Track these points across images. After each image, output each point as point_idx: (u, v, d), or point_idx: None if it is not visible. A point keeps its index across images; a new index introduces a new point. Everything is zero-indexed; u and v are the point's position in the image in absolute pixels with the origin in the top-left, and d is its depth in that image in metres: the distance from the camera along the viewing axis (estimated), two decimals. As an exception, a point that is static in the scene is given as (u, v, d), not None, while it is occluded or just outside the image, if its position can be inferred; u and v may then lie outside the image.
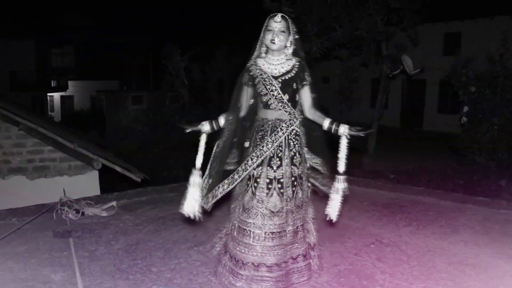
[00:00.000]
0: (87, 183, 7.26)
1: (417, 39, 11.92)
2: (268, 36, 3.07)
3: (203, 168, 3.21)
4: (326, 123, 3.03)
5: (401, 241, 4.33)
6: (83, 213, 5.10)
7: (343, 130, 2.95)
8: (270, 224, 3.06)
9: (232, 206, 3.29)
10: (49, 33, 31.05)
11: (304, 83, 3.15)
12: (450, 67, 8.94)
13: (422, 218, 5.06)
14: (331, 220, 3.12)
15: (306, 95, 3.16)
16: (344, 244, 4.25)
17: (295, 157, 3.13)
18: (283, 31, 3.08)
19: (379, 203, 5.67)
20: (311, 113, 3.13)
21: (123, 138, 19.21)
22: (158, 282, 3.47)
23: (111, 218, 5.07)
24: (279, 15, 3.10)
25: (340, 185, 3.04)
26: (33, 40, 28.77)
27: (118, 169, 7.34)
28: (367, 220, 5.01)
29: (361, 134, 2.94)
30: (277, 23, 3.06)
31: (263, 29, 3.13)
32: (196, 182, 3.14)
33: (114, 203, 5.39)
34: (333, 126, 2.99)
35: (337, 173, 3.04)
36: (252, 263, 3.05)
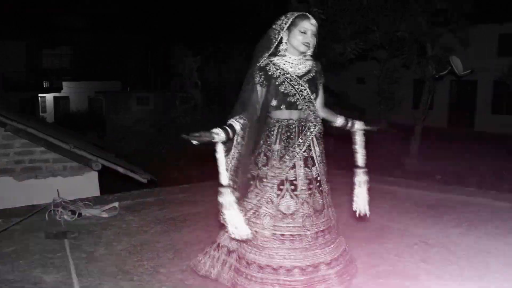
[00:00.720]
0: (86, 185, 7.31)
1: (467, 40, 12.09)
2: (300, 38, 3.14)
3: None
4: (340, 120, 3.42)
5: (449, 242, 4.29)
6: (80, 214, 5.15)
7: (359, 125, 3.38)
8: (319, 223, 3.15)
9: (246, 216, 3.14)
10: (40, 34, 32.10)
11: (321, 81, 3.34)
12: (505, 68, 9.03)
13: (474, 219, 5.02)
14: (362, 216, 3.32)
15: (320, 94, 3.37)
16: (383, 245, 4.23)
17: (322, 154, 3.27)
18: (315, 34, 3.19)
19: (423, 204, 5.63)
20: (324, 111, 3.40)
21: (125, 139, 19.54)
22: (167, 283, 3.49)
23: (112, 219, 5.11)
24: (312, 17, 3.20)
25: (361, 178, 3.40)
26: (24, 41, 29.78)
27: (121, 169, 7.39)
28: (409, 221, 4.98)
29: (376, 129, 3.40)
30: (312, 25, 3.16)
31: (285, 26, 3.16)
32: (230, 202, 3.01)
33: (116, 204, 5.44)
34: (349, 123, 3.40)
35: (357, 167, 3.40)
36: (312, 266, 3.07)
